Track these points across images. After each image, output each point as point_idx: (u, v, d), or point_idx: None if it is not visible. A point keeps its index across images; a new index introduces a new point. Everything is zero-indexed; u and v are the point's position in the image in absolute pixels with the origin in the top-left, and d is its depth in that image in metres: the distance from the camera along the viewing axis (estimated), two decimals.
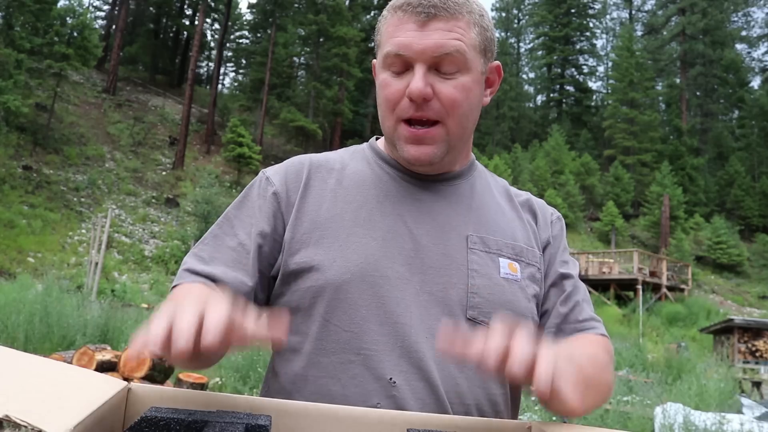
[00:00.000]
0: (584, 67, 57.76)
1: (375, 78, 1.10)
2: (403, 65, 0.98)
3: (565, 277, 1.08)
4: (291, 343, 0.96)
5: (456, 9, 0.97)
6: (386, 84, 1.00)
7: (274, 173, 1.07)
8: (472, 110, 1.02)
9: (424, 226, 1.00)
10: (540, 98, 60.06)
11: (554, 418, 6.70)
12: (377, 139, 1.15)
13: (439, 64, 0.96)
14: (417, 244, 0.98)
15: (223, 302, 0.67)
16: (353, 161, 1.10)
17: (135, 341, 0.64)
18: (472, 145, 1.13)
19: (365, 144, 1.15)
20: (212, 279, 0.95)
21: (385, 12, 1.04)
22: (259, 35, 46.54)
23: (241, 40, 50.67)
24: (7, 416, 0.47)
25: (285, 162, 1.10)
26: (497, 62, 1.07)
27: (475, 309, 0.95)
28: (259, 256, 0.99)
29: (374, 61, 1.10)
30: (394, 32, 0.98)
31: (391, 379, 0.89)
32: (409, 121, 0.98)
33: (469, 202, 1.06)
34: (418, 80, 0.94)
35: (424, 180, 1.06)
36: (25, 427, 0.47)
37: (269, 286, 1.02)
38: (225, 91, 52.00)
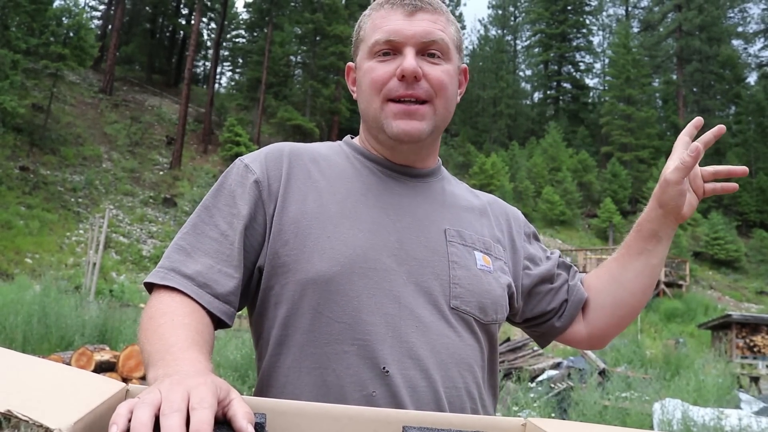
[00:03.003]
0: (581, 64, 57.72)
1: (349, 80, 1.15)
2: (392, 51, 1.04)
3: (559, 266, 1.22)
4: (281, 337, 0.97)
5: (438, 6, 1.07)
6: (373, 69, 1.05)
7: (252, 160, 1.06)
8: (453, 99, 1.09)
9: (405, 218, 1.03)
10: (537, 95, 60.02)
11: (553, 415, 6.71)
12: (352, 138, 1.18)
13: (426, 50, 1.03)
14: (401, 236, 1.01)
15: (209, 396, 0.60)
16: (332, 154, 1.12)
17: (117, 420, 0.55)
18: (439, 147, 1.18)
19: (339, 141, 1.18)
20: (197, 279, 0.93)
21: (367, 11, 1.11)
22: (255, 34, 46.41)
23: (237, 39, 50.53)
24: (9, 411, 0.47)
25: (262, 149, 1.10)
26: (465, 65, 1.15)
27: (457, 299, 0.99)
28: (244, 247, 0.98)
29: (349, 63, 1.15)
30: (382, 23, 1.05)
31: (384, 368, 0.91)
32: (397, 101, 1.03)
33: (442, 199, 1.11)
34: (410, 59, 1.01)
35: (401, 175, 1.09)
36: (27, 422, 0.47)
37: (251, 277, 1.01)
38: (222, 90, 51.86)
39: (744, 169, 1.08)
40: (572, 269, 1.24)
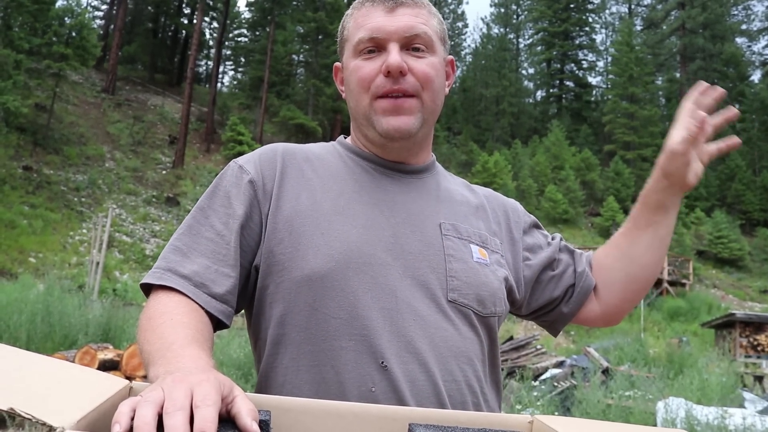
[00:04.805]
0: (584, 62, 57.61)
1: (337, 80, 1.15)
2: (376, 48, 1.04)
3: (561, 250, 1.21)
4: (278, 336, 0.96)
5: (418, 0, 1.08)
6: (359, 67, 1.05)
7: (246, 162, 1.07)
8: (441, 90, 1.09)
9: (399, 214, 1.03)
10: (540, 94, 59.94)
11: (556, 413, 6.70)
12: (345, 138, 1.19)
13: (409, 44, 1.03)
14: (395, 231, 1.01)
15: (213, 393, 0.58)
16: (325, 154, 1.12)
17: (120, 418, 0.54)
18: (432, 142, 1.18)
19: (332, 142, 1.18)
20: (194, 279, 0.92)
21: (349, 10, 1.11)
22: (257, 33, 46.38)
23: (239, 39, 50.52)
24: (12, 409, 0.47)
25: (256, 151, 1.11)
26: (451, 56, 1.14)
27: (455, 291, 0.99)
28: (241, 246, 0.98)
29: (336, 64, 1.16)
30: (364, 21, 1.05)
31: (382, 362, 0.90)
32: (385, 97, 1.03)
33: (437, 194, 1.11)
34: (394, 55, 1.01)
35: (394, 171, 1.09)
36: (30, 419, 0.47)
37: (248, 276, 1.01)
38: (224, 89, 51.89)
39: (735, 112, 1.05)
40: (576, 253, 1.23)
